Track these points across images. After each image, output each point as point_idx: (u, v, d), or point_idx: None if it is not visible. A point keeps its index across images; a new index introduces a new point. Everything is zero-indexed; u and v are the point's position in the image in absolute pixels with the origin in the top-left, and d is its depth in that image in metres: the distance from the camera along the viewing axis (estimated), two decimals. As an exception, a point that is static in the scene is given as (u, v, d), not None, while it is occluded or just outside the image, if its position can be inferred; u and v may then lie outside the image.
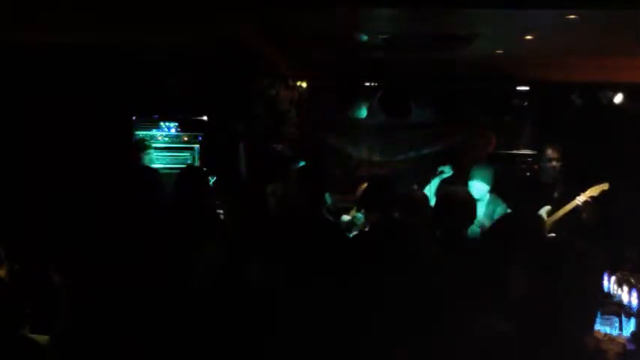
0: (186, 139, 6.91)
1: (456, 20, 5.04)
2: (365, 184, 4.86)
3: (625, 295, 3.64)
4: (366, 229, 4.73)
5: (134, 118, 6.86)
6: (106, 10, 4.71)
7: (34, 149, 6.29)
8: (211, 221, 4.32)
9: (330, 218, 4.79)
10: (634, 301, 3.56)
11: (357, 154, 8.18)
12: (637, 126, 7.04)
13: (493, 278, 2.54)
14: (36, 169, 6.15)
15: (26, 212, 5.53)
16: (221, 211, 4.63)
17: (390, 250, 2.57)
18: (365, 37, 5.43)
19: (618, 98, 7.35)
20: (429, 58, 6.49)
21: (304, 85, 7.59)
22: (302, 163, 5.96)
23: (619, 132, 7.18)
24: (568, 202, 5.38)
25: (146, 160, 6.30)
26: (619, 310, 3.57)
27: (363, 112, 7.96)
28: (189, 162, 6.79)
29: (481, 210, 5.21)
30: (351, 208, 5.74)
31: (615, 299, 3.70)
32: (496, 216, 5.10)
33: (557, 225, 5.39)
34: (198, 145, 6.89)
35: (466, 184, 5.36)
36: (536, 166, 6.36)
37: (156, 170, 6.36)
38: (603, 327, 3.40)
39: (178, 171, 4.90)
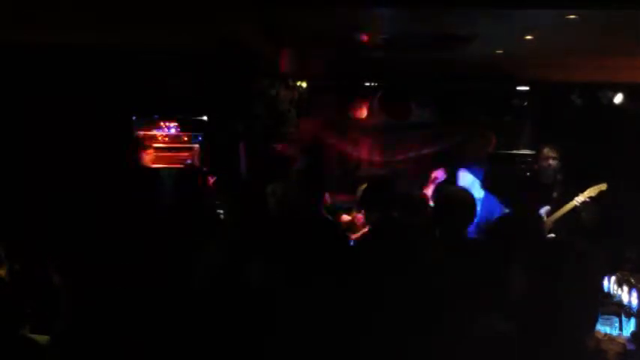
0: (186, 139, 6.91)
1: (456, 20, 5.04)
2: (365, 184, 4.86)
3: (625, 295, 3.64)
4: (366, 230, 4.73)
5: (134, 118, 6.86)
6: (106, 10, 4.72)
7: (34, 149, 6.29)
8: (211, 221, 4.33)
9: (330, 218, 4.79)
10: (634, 301, 3.56)
11: (357, 154, 8.17)
12: (637, 126, 7.04)
13: (493, 278, 2.54)
14: (36, 169, 6.15)
15: (26, 212, 5.53)
16: (221, 211, 4.63)
17: (389, 250, 2.57)
18: (365, 37, 5.44)
19: (618, 98, 7.34)
20: (429, 58, 6.49)
21: (304, 85, 7.58)
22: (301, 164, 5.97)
23: (619, 132, 7.18)
24: (567, 202, 5.39)
25: (146, 160, 6.30)
26: (619, 310, 3.57)
27: (363, 112, 7.96)
28: (189, 162, 6.80)
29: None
30: (351, 208, 5.74)
31: (615, 299, 3.70)
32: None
33: (557, 225, 5.40)
34: (198, 145, 6.89)
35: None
36: (535, 166, 6.35)
37: (156, 170, 6.40)
38: (603, 327, 3.40)
39: (178, 171, 4.90)
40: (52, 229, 4.58)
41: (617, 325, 3.49)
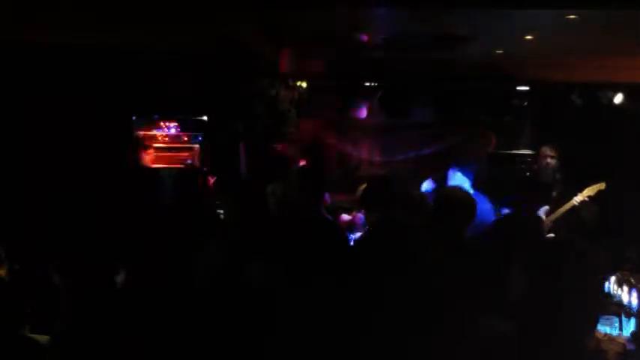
0: (186, 139, 6.91)
1: (455, 20, 5.04)
2: (365, 184, 4.86)
3: (625, 295, 3.64)
4: (366, 230, 4.73)
5: (134, 118, 6.86)
6: (106, 10, 4.72)
7: (34, 149, 6.29)
8: (211, 221, 4.33)
9: (330, 218, 4.79)
10: (634, 301, 3.56)
11: (357, 154, 8.17)
12: (637, 126, 7.04)
13: (493, 278, 2.54)
14: (36, 169, 6.15)
15: (26, 212, 5.54)
16: (221, 211, 4.63)
17: (389, 250, 2.57)
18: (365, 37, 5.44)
19: (618, 98, 7.35)
20: (429, 58, 6.49)
21: (304, 85, 7.58)
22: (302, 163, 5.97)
23: (619, 132, 7.18)
24: (567, 202, 5.39)
25: (146, 160, 6.30)
26: (619, 310, 3.57)
27: (363, 112, 7.96)
28: (189, 162, 6.80)
29: None
30: (351, 208, 5.74)
31: (615, 299, 3.70)
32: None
33: (556, 225, 5.40)
34: (198, 145, 6.89)
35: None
36: (535, 166, 6.36)
37: (156, 170, 6.40)
38: (603, 327, 3.40)
39: (178, 171, 4.90)
40: (52, 229, 4.58)
41: (617, 325, 3.48)
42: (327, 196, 5.17)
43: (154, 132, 6.87)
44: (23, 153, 6.29)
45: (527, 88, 7.80)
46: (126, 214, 4.75)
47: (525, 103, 7.85)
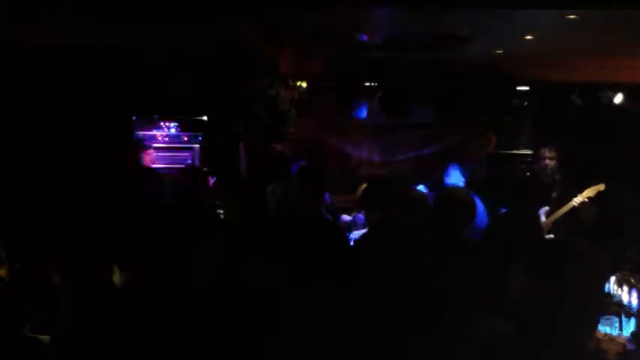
0: (186, 139, 6.91)
1: (455, 20, 5.04)
2: (365, 184, 4.86)
3: (625, 295, 3.64)
4: (366, 230, 4.73)
5: (134, 118, 6.86)
6: (106, 10, 4.72)
7: (34, 149, 6.29)
8: (211, 221, 4.32)
9: (330, 218, 4.79)
10: (634, 301, 3.56)
11: (357, 154, 8.17)
12: (637, 126, 7.04)
13: (493, 278, 2.54)
14: (36, 169, 6.15)
15: (26, 212, 5.54)
16: (221, 211, 4.63)
17: (389, 250, 2.57)
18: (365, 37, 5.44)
19: (618, 98, 7.35)
20: (428, 58, 6.49)
21: (304, 85, 7.58)
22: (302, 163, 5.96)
23: (619, 132, 7.18)
24: (567, 202, 5.39)
25: (146, 160, 6.30)
26: (619, 310, 3.57)
27: (363, 112, 7.96)
28: (189, 162, 6.80)
29: None
30: (351, 208, 5.74)
31: (615, 299, 3.70)
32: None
33: (556, 225, 5.40)
34: (198, 145, 6.89)
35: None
36: (535, 166, 6.36)
37: (156, 170, 6.39)
38: (603, 327, 3.40)
39: (178, 171, 4.90)
40: (52, 229, 4.57)
41: (617, 325, 3.49)
42: (327, 196, 5.18)
43: (154, 132, 6.87)
44: (23, 153, 6.29)
45: (527, 88, 7.80)
46: (126, 214, 4.75)
47: (525, 103, 7.86)
